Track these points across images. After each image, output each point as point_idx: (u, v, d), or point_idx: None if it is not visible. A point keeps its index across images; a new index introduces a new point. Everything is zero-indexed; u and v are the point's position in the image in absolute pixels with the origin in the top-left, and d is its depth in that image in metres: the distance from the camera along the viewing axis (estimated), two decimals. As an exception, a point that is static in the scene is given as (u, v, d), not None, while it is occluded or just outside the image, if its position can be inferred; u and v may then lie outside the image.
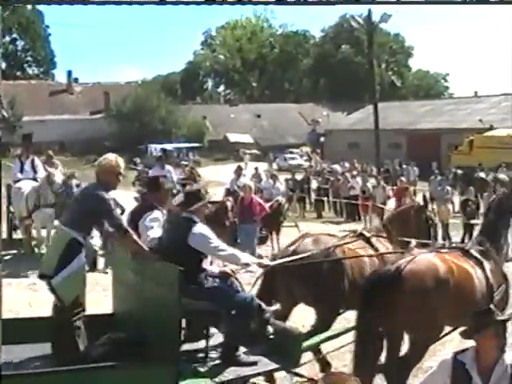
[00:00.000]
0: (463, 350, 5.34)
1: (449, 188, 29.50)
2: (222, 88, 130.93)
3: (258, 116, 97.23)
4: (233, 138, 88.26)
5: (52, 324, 7.96)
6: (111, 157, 8.15)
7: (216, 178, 42.31)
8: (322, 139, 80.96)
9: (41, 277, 8.09)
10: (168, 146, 65.87)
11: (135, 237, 7.81)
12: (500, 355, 5.21)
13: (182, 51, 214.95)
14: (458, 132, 58.83)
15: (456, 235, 24.61)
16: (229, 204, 19.40)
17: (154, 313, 7.81)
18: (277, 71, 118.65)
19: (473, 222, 24.17)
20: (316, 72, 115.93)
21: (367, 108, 67.50)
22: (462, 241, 23.52)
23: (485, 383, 5.18)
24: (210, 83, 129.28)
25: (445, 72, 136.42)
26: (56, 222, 19.99)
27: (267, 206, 21.13)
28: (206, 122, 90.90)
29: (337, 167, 43.14)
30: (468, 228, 23.93)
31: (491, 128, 56.81)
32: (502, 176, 35.30)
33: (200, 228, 7.80)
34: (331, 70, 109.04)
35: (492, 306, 5.40)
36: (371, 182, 32.61)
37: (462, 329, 5.59)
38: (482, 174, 34.38)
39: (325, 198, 34.38)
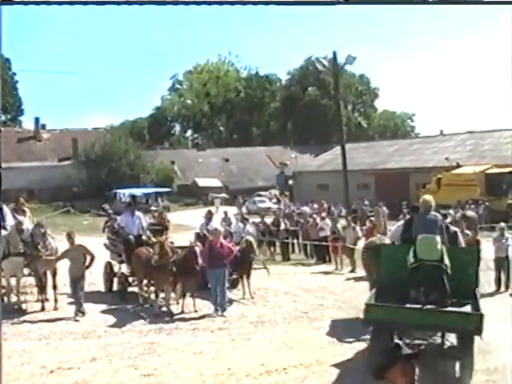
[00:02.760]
0: None
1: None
2: (189, 133, 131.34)
3: (227, 160, 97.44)
4: (202, 182, 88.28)
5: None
6: None
7: (185, 223, 42.19)
8: (291, 181, 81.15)
9: None
10: (137, 192, 65.70)
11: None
12: None
13: (149, 97, 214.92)
14: (426, 170, 59.29)
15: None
16: (197, 249, 19.30)
17: None
18: (244, 115, 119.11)
19: (443, 259, 24.15)
20: (283, 115, 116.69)
21: (335, 149, 67.91)
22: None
23: None
24: (177, 128, 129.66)
25: (411, 112, 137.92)
26: (25, 271, 19.92)
27: (236, 248, 21.02)
28: (175, 167, 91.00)
29: (306, 209, 43.10)
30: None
31: (458, 166, 57.27)
32: (470, 213, 35.47)
33: None
34: (298, 112, 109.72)
35: (400, 342, 5.28)
36: (341, 223, 32.56)
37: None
38: (451, 212, 34.42)
39: (294, 241, 34.28)
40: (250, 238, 23.17)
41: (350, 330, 16.75)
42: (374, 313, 13.56)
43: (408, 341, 13.27)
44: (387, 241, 18.41)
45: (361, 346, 15.35)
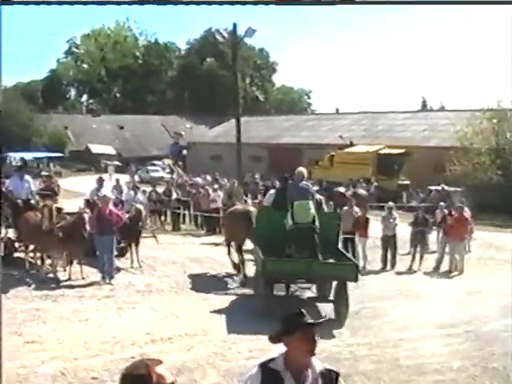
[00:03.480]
0: (272, 359, 5.17)
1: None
2: (84, 98, 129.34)
3: (121, 127, 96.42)
4: (95, 148, 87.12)
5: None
6: None
7: (77, 189, 41.61)
8: (185, 152, 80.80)
9: None
10: (28, 156, 64.31)
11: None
12: (309, 360, 5.09)
13: (44, 59, 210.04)
14: (320, 147, 59.95)
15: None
16: (86, 215, 19.04)
17: None
18: (140, 81, 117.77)
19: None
20: (180, 84, 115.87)
21: (230, 122, 67.95)
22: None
23: None
24: (72, 92, 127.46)
25: (308, 89, 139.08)
26: None
27: (125, 216, 20.84)
28: (68, 132, 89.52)
29: (198, 180, 43.04)
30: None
31: (351, 144, 58.08)
32: (360, 191, 36.08)
33: None
34: (195, 82, 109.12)
35: (303, 310, 5.19)
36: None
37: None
38: (342, 189, 34.90)
39: (186, 211, 34.26)
40: (139, 206, 23.03)
41: (236, 301, 16.93)
42: (271, 267, 15.73)
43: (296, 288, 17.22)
44: (251, 208, 21.05)
45: (247, 318, 15.50)
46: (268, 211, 18.39)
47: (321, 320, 5.27)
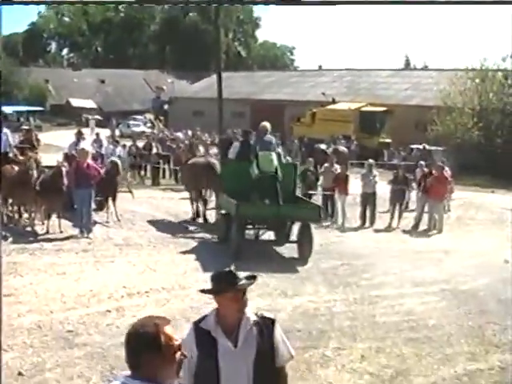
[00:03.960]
0: (204, 317, 5.19)
1: (288, 158, 29.73)
2: (65, 51, 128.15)
3: (102, 81, 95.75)
4: (76, 102, 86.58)
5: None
6: None
7: (57, 143, 41.36)
8: (166, 106, 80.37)
9: None
10: (8, 110, 63.74)
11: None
12: (242, 316, 5.10)
13: (25, 12, 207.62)
14: (302, 104, 59.66)
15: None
16: (63, 169, 18.91)
17: None
18: (122, 35, 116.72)
19: (311, 192, 24.50)
20: (162, 38, 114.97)
21: (212, 77, 67.47)
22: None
23: (234, 343, 5.06)
24: (53, 46, 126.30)
25: (291, 45, 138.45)
26: None
27: (103, 170, 20.67)
28: (49, 86, 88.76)
29: (179, 135, 42.90)
30: (306, 198, 24.19)
31: (333, 101, 57.82)
32: (341, 148, 36.03)
33: None
34: (177, 36, 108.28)
35: (233, 269, 5.14)
36: (214, 150, 32.59)
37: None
38: (323, 146, 34.87)
39: (166, 166, 34.15)
40: (115, 160, 22.82)
41: (216, 256, 16.94)
42: (245, 210, 17.37)
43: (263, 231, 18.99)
44: (213, 160, 23.10)
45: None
46: (234, 163, 20.00)
47: (251, 281, 5.19)
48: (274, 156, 18.53)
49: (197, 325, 5.17)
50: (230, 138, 25.72)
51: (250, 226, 18.71)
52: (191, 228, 21.46)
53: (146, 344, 3.70)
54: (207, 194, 23.74)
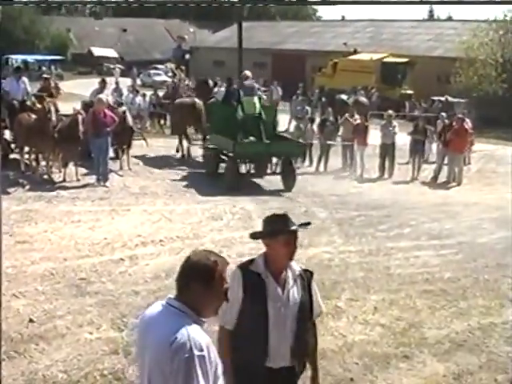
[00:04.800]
0: (251, 260, 5.27)
1: (308, 108, 29.55)
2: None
3: (124, 30, 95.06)
4: (97, 51, 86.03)
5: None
6: None
7: (78, 92, 41.21)
8: (188, 56, 79.84)
9: None
10: (29, 58, 63.56)
11: None
12: (288, 262, 5.21)
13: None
14: (323, 54, 58.97)
15: (314, 154, 24.79)
16: (80, 117, 18.82)
17: None
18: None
19: (329, 142, 24.32)
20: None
21: (233, 27, 66.93)
22: (319, 160, 23.79)
23: (281, 287, 5.15)
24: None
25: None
26: None
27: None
28: (70, 35, 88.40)
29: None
30: (325, 148, 24.07)
31: (355, 52, 57.17)
32: (362, 99, 35.67)
33: None
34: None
35: (287, 214, 5.27)
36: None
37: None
38: (344, 96, 34.54)
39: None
40: (123, 108, 22.44)
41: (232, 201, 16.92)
42: (241, 148, 19.92)
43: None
44: (196, 100, 24.20)
45: (239, 224, 15.50)
46: (221, 105, 22.36)
47: (305, 226, 5.41)
48: (256, 99, 21.23)
49: (244, 268, 5.24)
50: (207, 80, 28.62)
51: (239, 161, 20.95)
52: (182, 166, 22.83)
53: (198, 273, 3.92)
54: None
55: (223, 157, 20.98)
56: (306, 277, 5.34)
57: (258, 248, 12.39)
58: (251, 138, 20.56)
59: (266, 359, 5.12)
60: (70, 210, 15.95)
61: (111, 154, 20.63)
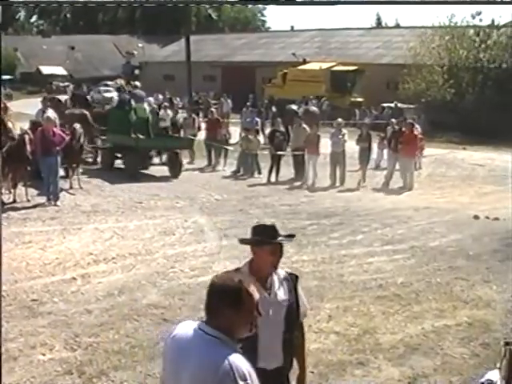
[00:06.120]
0: (237, 269, 5.27)
1: (258, 119, 29.64)
2: (34, 18, 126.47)
3: (72, 48, 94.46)
4: (46, 70, 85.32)
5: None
6: None
7: (28, 112, 40.80)
8: (137, 71, 79.70)
9: None
10: (-24, 79, 62.85)
11: None
12: (273, 270, 5.33)
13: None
14: (273, 65, 59.22)
15: (264, 166, 24.81)
16: (27, 137, 18.63)
17: None
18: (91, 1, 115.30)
19: (279, 152, 24.37)
20: (132, 2, 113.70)
21: (182, 41, 67.03)
22: (270, 171, 23.81)
23: (268, 290, 5.27)
24: (22, 13, 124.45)
25: (262, 6, 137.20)
26: None
27: (68, 138, 20.30)
28: (18, 54, 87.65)
29: (150, 99, 42.50)
30: (275, 158, 24.11)
31: (304, 62, 57.45)
32: (312, 108, 35.87)
33: None
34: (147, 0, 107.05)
35: (275, 225, 5.40)
36: (181, 114, 32.41)
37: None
38: (294, 106, 34.69)
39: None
40: (76, 125, 22.24)
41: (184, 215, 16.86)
42: (143, 143, 24.09)
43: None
44: (85, 111, 26.47)
45: (191, 238, 15.46)
46: (116, 111, 26.74)
47: (290, 239, 5.56)
48: (146, 106, 27.21)
49: None
50: (83, 93, 33.18)
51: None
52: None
53: (228, 298, 3.91)
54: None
55: (118, 154, 24.93)
56: (292, 279, 5.49)
57: (211, 261, 12.41)
58: (141, 136, 24.01)
59: (257, 360, 5.14)
60: (20, 230, 15.73)
61: (61, 172, 20.44)
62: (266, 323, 5.09)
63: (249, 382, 3.77)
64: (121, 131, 24.31)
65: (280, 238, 5.27)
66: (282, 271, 5.45)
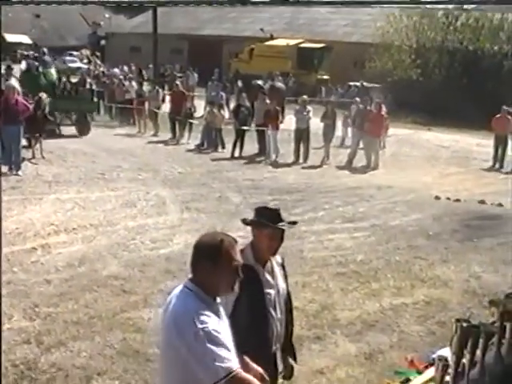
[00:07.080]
0: (241, 251, 5.21)
1: (223, 94, 29.59)
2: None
3: (37, 16, 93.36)
4: (10, 38, 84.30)
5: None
6: None
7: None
8: (103, 42, 78.95)
9: None
10: None
11: None
12: (271, 255, 5.36)
13: None
14: (240, 40, 58.94)
15: (229, 141, 24.75)
16: (-12, 107, 18.40)
17: None
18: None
19: (244, 127, 24.34)
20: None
21: (150, 12, 66.47)
22: (234, 146, 23.78)
23: (271, 275, 5.30)
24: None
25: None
26: None
27: (32, 106, 20.13)
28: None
29: (116, 71, 42.21)
30: (240, 133, 24.09)
31: (271, 37, 57.30)
32: (278, 84, 35.79)
33: None
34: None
35: (279, 209, 5.34)
36: (146, 86, 32.23)
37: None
38: (260, 82, 34.58)
39: (100, 102, 33.54)
40: (42, 94, 22.15)
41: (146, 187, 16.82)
42: (60, 104, 25.99)
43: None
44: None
45: (153, 210, 15.43)
46: (26, 75, 28.54)
47: (292, 226, 5.47)
48: (53, 71, 29.55)
49: None
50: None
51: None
52: None
53: (205, 252, 4.10)
54: None
55: None
56: (281, 263, 5.57)
57: (172, 234, 12.35)
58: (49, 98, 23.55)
59: (273, 345, 5.32)
60: (-20, 200, 15.59)
61: (24, 142, 20.27)
62: (273, 307, 5.27)
63: (208, 325, 3.86)
64: (31, 93, 24.17)
65: (281, 224, 5.21)
66: (278, 257, 5.49)
